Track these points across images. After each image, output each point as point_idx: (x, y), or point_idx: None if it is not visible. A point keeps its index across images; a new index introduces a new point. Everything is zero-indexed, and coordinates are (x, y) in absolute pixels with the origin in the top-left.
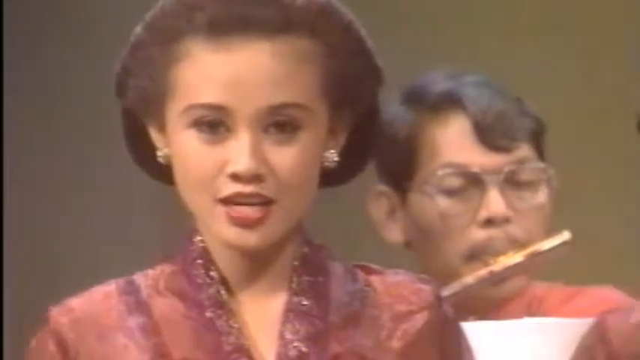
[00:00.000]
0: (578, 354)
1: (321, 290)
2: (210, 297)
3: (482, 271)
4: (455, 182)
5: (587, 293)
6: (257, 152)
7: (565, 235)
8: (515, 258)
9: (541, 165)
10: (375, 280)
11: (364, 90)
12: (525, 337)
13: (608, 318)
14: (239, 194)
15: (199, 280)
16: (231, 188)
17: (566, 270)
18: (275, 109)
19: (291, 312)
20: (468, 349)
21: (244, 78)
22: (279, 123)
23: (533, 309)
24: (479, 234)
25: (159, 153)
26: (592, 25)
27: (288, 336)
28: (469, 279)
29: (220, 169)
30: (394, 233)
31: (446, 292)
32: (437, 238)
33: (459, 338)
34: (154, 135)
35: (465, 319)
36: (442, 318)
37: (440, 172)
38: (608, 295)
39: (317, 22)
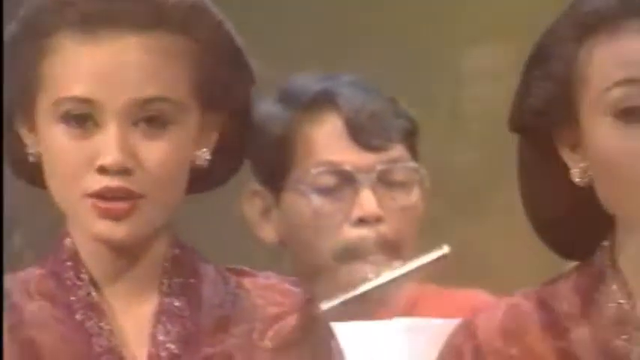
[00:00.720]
0: (446, 351)
1: (193, 292)
2: (80, 299)
3: (363, 286)
4: (328, 180)
5: (458, 295)
6: (125, 146)
7: (444, 249)
8: (395, 272)
9: (413, 165)
10: (246, 282)
11: (235, 88)
12: (396, 337)
13: (476, 316)
14: (107, 189)
15: (69, 282)
16: (100, 182)
17: (440, 272)
18: (143, 103)
19: (163, 313)
20: (339, 351)
21: (112, 71)
22: (149, 117)
23: (407, 310)
24: (351, 233)
25: (29, 151)
26: (465, 26)
27: (160, 337)
28: (349, 294)
29: (89, 163)
30: (268, 233)
31: (325, 306)
32: (310, 236)
33: (329, 339)
34: (25, 134)
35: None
36: (312, 320)
37: (313, 171)
38: (479, 297)
39: (188, 18)
